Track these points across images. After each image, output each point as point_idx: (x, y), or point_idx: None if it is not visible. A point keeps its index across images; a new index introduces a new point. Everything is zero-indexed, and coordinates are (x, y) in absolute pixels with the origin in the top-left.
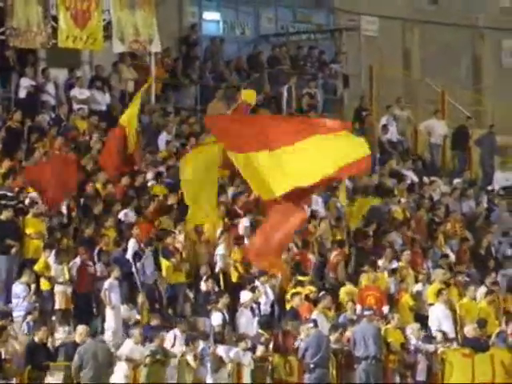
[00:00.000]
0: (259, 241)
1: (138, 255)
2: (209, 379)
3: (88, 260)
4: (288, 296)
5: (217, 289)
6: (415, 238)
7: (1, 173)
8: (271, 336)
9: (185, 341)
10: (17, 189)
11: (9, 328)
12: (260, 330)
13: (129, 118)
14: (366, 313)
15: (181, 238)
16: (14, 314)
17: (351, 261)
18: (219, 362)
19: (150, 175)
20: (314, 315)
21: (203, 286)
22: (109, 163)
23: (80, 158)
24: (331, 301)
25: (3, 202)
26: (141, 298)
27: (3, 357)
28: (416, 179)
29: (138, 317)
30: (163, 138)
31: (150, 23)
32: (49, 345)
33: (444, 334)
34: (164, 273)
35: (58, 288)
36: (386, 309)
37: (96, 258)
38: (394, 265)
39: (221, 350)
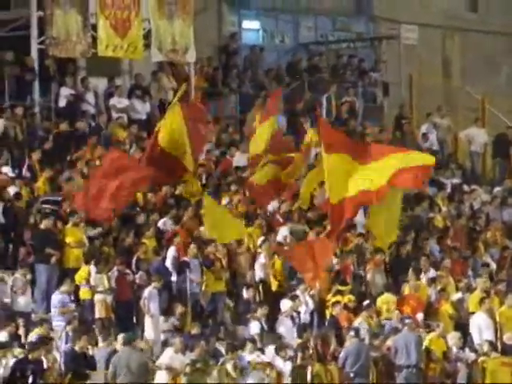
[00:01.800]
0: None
1: (182, 264)
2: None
3: (126, 269)
4: (328, 305)
5: (258, 298)
6: (455, 247)
7: (44, 181)
8: (310, 343)
9: (225, 350)
10: (60, 197)
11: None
12: (298, 339)
13: (167, 126)
14: (407, 321)
15: (220, 246)
16: (54, 324)
17: (390, 269)
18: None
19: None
20: (357, 323)
21: (245, 295)
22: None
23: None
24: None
25: (46, 207)
26: (180, 307)
27: (45, 366)
28: (455, 187)
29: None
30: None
31: (186, 33)
32: (90, 353)
33: (491, 343)
34: (204, 282)
35: (97, 297)
36: (419, 316)
37: (134, 267)
38: (433, 274)
39: (259, 359)
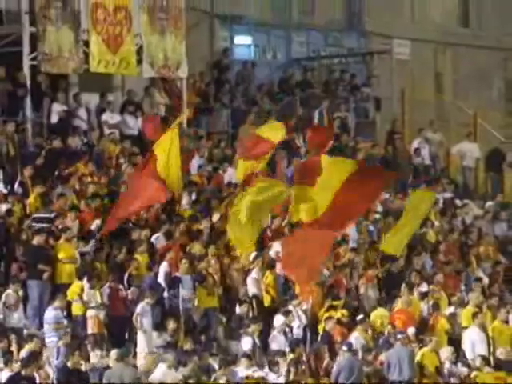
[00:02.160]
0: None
1: (174, 280)
2: None
3: (119, 284)
4: (321, 319)
5: (251, 313)
6: (448, 261)
7: (36, 197)
8: (301, 358)
9: (218, 365)
10: (54, 214)
11: (43, 353)
12: (291, 354)
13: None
14: (399, 336)
15: (213, 262)
16: (47, 340)
17: (383, 284)
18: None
19: (184, 200)
20: (353, 338)
21: (238, 310)
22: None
23: (111, 183)
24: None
25: (38, 225)
26: (173, 323)
27: (37, 382)
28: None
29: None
30: (195, 162)
31: (178, 48)
32: (83, 369)
33: (484, 358)
34: (196, 297)
35: (90, 313)
36: (410, 330)
37: (126, 283)
38: (424, 288)
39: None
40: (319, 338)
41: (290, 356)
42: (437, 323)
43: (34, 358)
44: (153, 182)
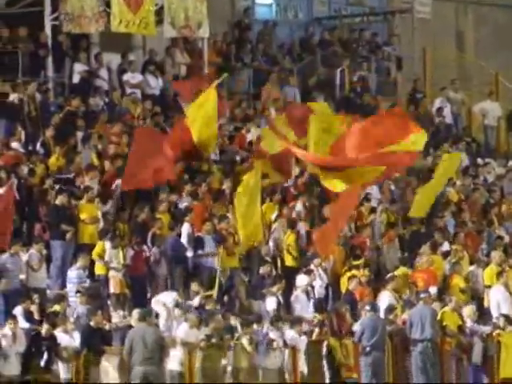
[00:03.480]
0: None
1: (196, 240)
2: (262, 363)
3: (142, 245)
4: (344, 279)
5: (274, 272)
6: (470, 220)
7: (58, 157)
8: (325, 318)
9: (240, 325)
10: (73, 174)
11: (66, 312)
12: (315, 314)
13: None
14: (422, 295)
15: (234, 221)
16: (70, 300)
17: (406, 243)
18: (272, 346)
19: None
20: (386, 296)
21: (260, 270)
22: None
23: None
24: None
25: (58, 185)
26: (195, 285)
27: (59, 341)
28: (468, 162)
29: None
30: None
31: (200, 8)
32: (107, 328)
33: (507, 317)
34: (217, 258)
35: (112, 273)
36: (432, 290)
37: (150, 243)
38: (446, 247)
39: (274, 334)
40: (341, 298)
41: (317, 317)
42: (451, 282)
43: (56, 318)
44: (164, 156)
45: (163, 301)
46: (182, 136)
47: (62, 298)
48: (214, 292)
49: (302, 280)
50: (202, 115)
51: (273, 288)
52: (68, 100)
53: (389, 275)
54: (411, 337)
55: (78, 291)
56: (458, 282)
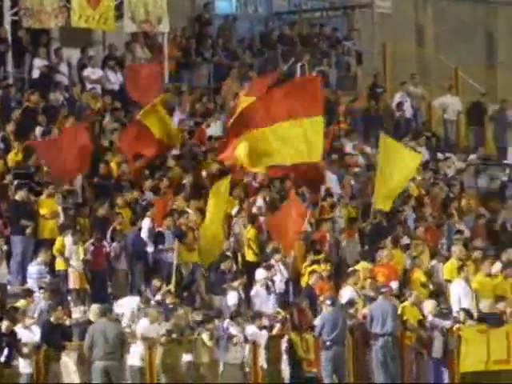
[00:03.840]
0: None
1: (157, 235)
2: (223, 358)
3: (102, 240)
4: (304, 273)
5: (235, 267)
6: (430, 215)
7: (17, 153)
8: (287, 313)
9: (200, 320)
10: (33, 169)
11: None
12: (278, 309)
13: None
14: (382, 290)
15: (194, 217)
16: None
17: (366, 238)
18: (233, 341)
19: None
20: (347, 291)
21: (221, 265)
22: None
23: (94, 138)
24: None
25: (18, 180)
26: (157, 279)
27: (19, 337)
28: (428, 156)
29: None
30: (177, 116)
31: (159, 3)
32: (67, 324)
33: (467, 312)
34: (176, 253)
35: (72, 268)
36: (393, 284)
37: (109, 238)
38: (406, 241)
39: (234, 329)
40: (302, 292)
41: (281, 313)
42: (412, 276)
43: (16, 313)
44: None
45: (126, 305)
46: (140, 134)
47: (28, 294)
48: (172, 286)
49: (260, 274)
50: (155, 116)
51: (234, 283)
52: (27, 95)
53: (350, 269)
54: (372, 331)
55: (41, 287)
56: (418, 276)
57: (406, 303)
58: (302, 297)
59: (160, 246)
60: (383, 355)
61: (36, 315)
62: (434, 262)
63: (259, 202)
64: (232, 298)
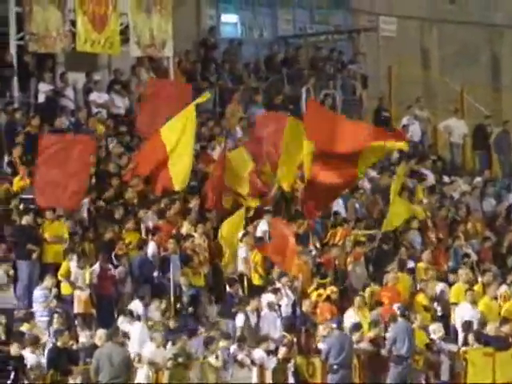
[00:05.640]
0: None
1: (162, 259)
2: (231, 379)
3: (108, 264)
4: (312, 297)
5: (240, 291)
6: (437, 238)
7: (22, 177)
8: (293, 337)
9: (204, 342)
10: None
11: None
12: (283, 333)
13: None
14: (399, 311)
15: (200, 240)
16: (37, 319)
17: (374, 261)
18: (240, 365)
19: None
20: (352, 314)
21: (228, 288)
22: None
23: (100, 162)
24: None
25: (23, 205)
26: (161, 303)
27: (26, 361)
28: (433, 179)
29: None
30: None
31: (164, 27)
32: (74, 348)
33: (474, 334)
34: (182, 277)
35: (77, 292)
36: (395, 306)
37: (115, 262)
38: (411, 264)
39: (241, 354)
40: (309, 316)
41: (288, 337)
42: (415, 299)
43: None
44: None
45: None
46: (155, 154)
47: (30, 317)
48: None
49: (267, 298)
50: (180, 140)
51: (247, 307)
52: (29, 120)
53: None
54: (394, 353)
55: (55, 312)
56: (421, 299)
57: (414, 326)
58: (310, 320)
59: (165, 270)
60: (403, 378)
61: (47, 339)
62: (440, 286)
63: (264, 226)
64: (240, 320)
